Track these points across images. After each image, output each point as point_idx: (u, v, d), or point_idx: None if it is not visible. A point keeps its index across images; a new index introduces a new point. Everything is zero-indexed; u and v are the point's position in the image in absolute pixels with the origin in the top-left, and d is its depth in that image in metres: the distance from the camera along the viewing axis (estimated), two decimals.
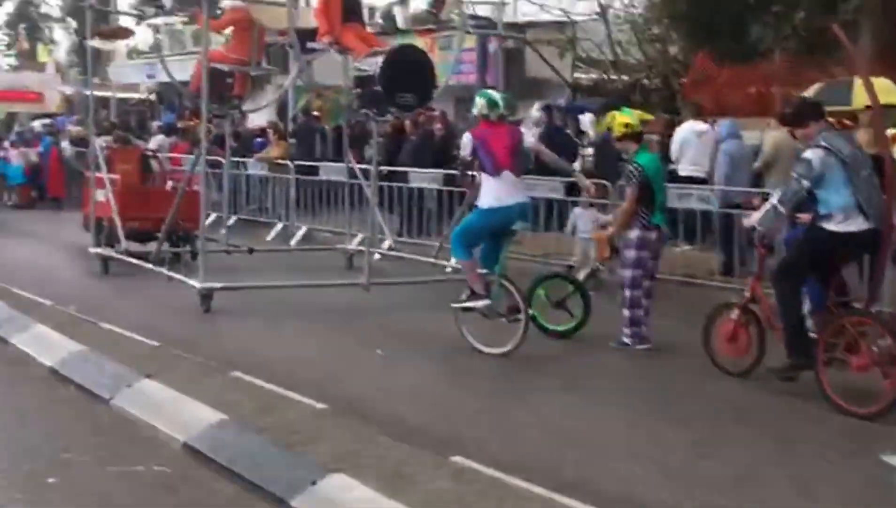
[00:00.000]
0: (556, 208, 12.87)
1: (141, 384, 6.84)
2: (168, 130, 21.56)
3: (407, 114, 13.29)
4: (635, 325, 8.29)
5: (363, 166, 13.78)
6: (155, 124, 23.28)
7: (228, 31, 12.31)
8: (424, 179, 14.22)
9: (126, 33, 11.63)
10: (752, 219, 7.30)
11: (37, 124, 26.52)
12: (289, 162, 16.12)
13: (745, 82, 15.51)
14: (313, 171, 15.83)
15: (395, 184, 14.40)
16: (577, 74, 18.99)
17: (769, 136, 11.91)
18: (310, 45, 10.94)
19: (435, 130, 15.97)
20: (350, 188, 13.69)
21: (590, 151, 16.25)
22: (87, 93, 14.70)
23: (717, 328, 7.67)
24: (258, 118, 19.38)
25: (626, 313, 8.31)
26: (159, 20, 16.20)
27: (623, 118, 8.63)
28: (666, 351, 8.28)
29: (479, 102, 8.41)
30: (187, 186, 12.97)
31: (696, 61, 15.83)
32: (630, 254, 8.32)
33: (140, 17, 12.01)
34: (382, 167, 13.81)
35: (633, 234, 8.29)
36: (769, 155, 11.72)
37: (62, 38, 53.34)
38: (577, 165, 16.30)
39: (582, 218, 11.41)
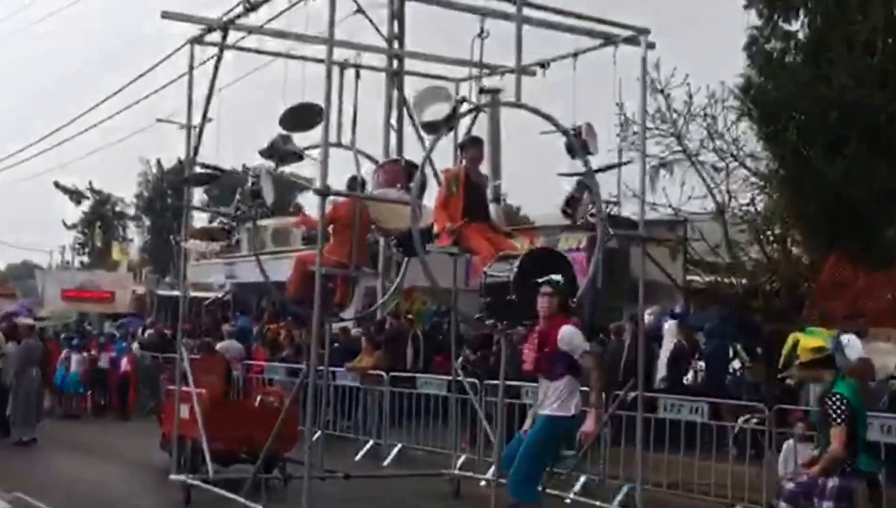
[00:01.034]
0: (699, 430, 11.29)
1: None
2: (240, 334, 20.36)
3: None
4: None
5: (469, 380, 12.41)
6: (225, 328, 22.13)
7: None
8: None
9: (224, 235, 10.61)
10: None
11: (107, 326, 25.71)
12: (383, 373, 14.77)
13: (881, 288, 14.18)
14: (408, 380, 14.53)
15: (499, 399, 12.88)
16: (689, 277, 17.63)
17: None
18: (428, 247, 9.67)
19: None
20: (454, 402, 12.38)
21: (702, 364, 14.75)
22: (179, 294, 13.62)
23: None
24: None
25: None
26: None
27: (812, 341, 7.13)
28: None
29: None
30: (278, 402, 11.79)
31: (828, 265, 14.46)
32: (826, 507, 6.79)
33: (242, 219, 10.90)
34: (491, 381, 12.50)
35: (832, 483, 6.79)
36: None
37: (135, 236, 53.95)
38: (688, 377, 14.91)
39: (794, 453, 9.70)
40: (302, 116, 9.44)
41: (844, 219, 14.89)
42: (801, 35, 15.11)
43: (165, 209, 50.31)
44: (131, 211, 54.09)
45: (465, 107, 9.80)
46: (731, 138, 16.53)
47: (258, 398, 12.69)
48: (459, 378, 12.24)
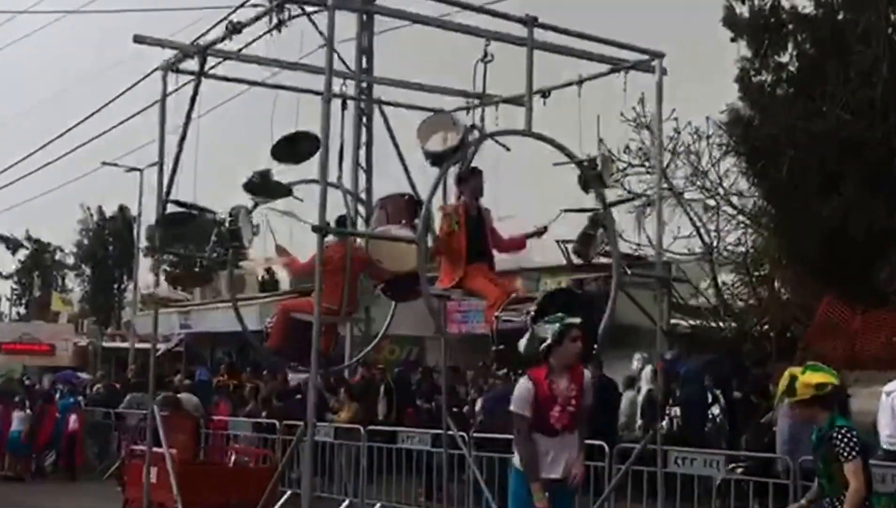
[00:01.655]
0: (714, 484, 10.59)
1: None
2: (201, 387, 19.11)
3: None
4: None
5: (461, 434, 11.54)
6: (177, 380, 20.88)
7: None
8: None
9: (203, 279, 9.64)
10: None
11: (45, 380, 24.27)
12: (360, 427, 13.83)
13: (877, 329, 13.69)
14: (385, 434, 13.66)
15: (493, 454, 12.02)
16: (674, 321, 16.94)
17: None
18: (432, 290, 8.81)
19: None
20: (443, 458, 11.63)
21: (677, 410, 14.21)
22: (125, 345, 12.57)
23: None
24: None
25: None
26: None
27: (813, 377, 6.28)
28: None
29: None
30: (253, 461, 10.83)
31: (823, 305, 13.92)
32: None
33: (221, 263, 9.95)
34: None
35: None
36: None
37: (74, 286, 52.13)
38: (663, 424, 14.32)
39: None
40: (296, 147, 8.55)
41: (839, 259, 14.39)
42: (791, 67, 14.66)
43: (107, 258, 48.84)
44: (70, 260, 52.50)
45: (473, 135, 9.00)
46: (716, 176, 16.06)
47: (232, 457, 11.65)
48: (451, 432, 11.36)
